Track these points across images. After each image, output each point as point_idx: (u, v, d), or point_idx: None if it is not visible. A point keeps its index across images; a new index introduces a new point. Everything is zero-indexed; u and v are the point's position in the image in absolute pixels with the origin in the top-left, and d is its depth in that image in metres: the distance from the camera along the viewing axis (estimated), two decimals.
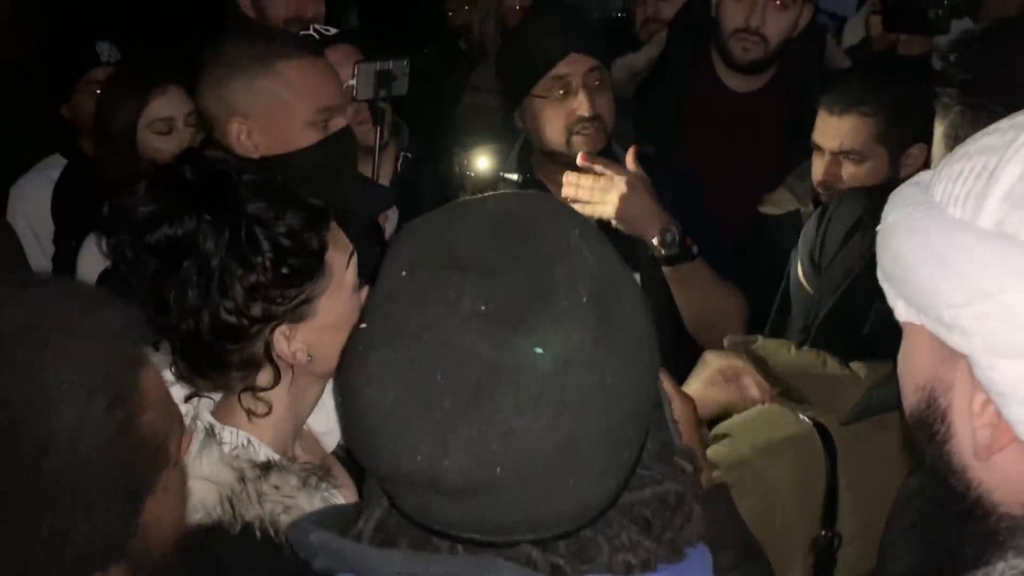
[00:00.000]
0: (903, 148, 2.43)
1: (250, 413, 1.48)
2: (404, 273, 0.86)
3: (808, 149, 2.54)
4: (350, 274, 1.51)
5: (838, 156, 2.43)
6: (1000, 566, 0.69)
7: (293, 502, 1.41)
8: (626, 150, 2.59)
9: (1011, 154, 0.78)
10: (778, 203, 2.67)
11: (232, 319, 1.41)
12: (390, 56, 2.47)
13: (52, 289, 1.04)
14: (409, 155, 2.72)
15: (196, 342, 1.43)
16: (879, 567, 1.50)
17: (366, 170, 2.54)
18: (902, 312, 0.88)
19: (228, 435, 1.46)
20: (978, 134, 0.85)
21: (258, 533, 1.38)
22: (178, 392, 1.47)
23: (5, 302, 0.99)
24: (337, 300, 1.49)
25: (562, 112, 2.39)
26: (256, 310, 1.42)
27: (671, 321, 2.37)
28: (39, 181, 3.15)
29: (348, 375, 0.86)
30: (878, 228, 0.91)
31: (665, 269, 2.35)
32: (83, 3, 3.82)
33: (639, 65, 3.17)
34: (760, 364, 1.83)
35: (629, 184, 2.31)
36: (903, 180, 2.55)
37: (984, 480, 0.84)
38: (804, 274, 1.87)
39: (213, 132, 2.13)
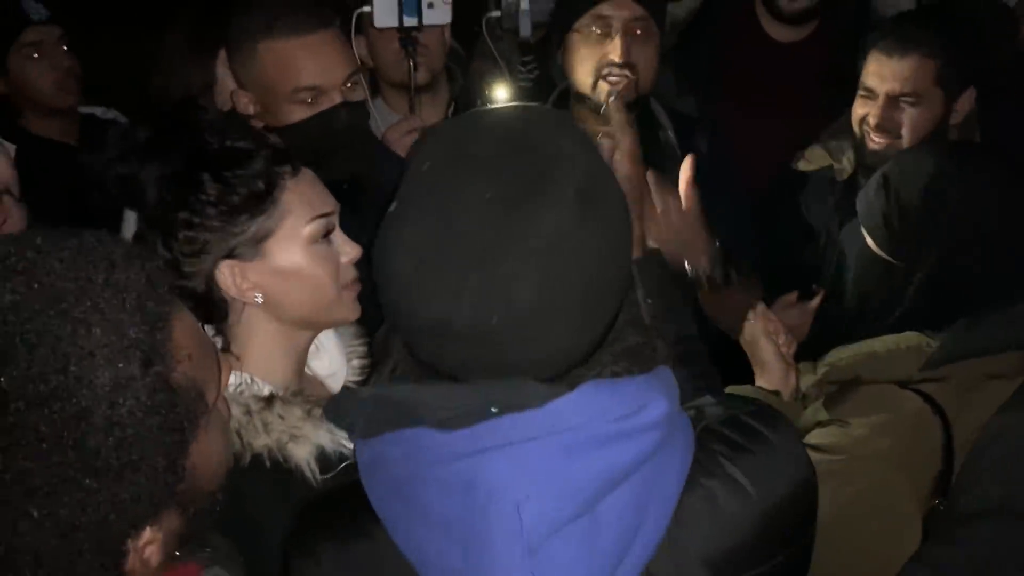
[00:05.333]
0: (958, 91, 2.36)
1: (224, 351, 1.51)
2: (426, 165, 1.04)
3: (847, 102, 2.47)
4: (311, 228, 1.51)
5: (896, 99, 2.35)
6: None
7: (300, 431, 1.45)
8: (664, 104, 2.54)
9: None
10: (812, 160, 2.60)
11: (165, 251, 1.45)
12: None
13: (70, 256, 0.99)
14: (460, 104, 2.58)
15: None
16: (951, 502, 1.50)
17: (403, 105, 2.44)
18: None
19: (232, 376, 1.46)
20: None
21: (267, 462, 1.42)
22: None
23: (25, 277, 0.97)
24: (289, 249, 1.50)
25: (595, 53, 2.30)
26: (195, 242, 1.45)
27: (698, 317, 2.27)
28: None
29: (382, 246, 1.05)
30: None
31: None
32: None
33: (680, 15, 3.10)
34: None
35: (675, 211, 2.09)
36: (952, 125, 2.47)
37: None
38: (879, 245, 1.77)
39: None
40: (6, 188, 2.00)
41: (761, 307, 1.93)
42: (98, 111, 3.05)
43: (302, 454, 1.44)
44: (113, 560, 0.99)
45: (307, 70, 2.06)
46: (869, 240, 1.76)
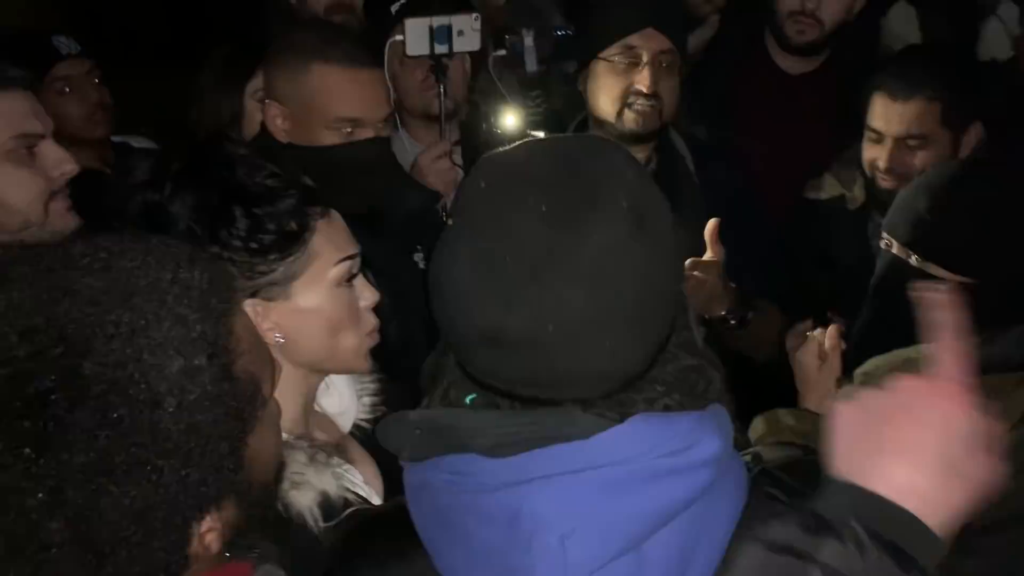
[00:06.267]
0: (964, 129, 2.42)
1: None
2: (483, 184, 1.08)
3: (857, 132, 2.53)
4: (337, 271, 1.51)
5: (904, 141, 2.40)
6: None
7: (302, 478, 1.44)
8: (679, 133, 2.61)
9: None
10: (824, 189, 2.67)
11: None
12: (452, 11, 2.38)
13: (140, 257, 1.07)
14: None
15: None
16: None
17: (426, 136, 2.51)
18: None
19: None
20: None
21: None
22: None
23: (102, 274, 1.04)
24: (315, 290, 1.50)
25: (621, 82, 2.37)
26: None
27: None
28: None
29: (439, 259, 1.08)
30: None
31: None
32: None
33: (692, 47, 3.17)
34: None
35: (703, 270, 2.18)
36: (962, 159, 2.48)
37: None
38: (950, 267, 1.72)
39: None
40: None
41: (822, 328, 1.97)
42: (131, 139, 3.12)
43: (305, 501, 1.43)
44: (180, 543, 1.05)
45: (354, 102, 2.13)
46: (912, 259, 1.76)
